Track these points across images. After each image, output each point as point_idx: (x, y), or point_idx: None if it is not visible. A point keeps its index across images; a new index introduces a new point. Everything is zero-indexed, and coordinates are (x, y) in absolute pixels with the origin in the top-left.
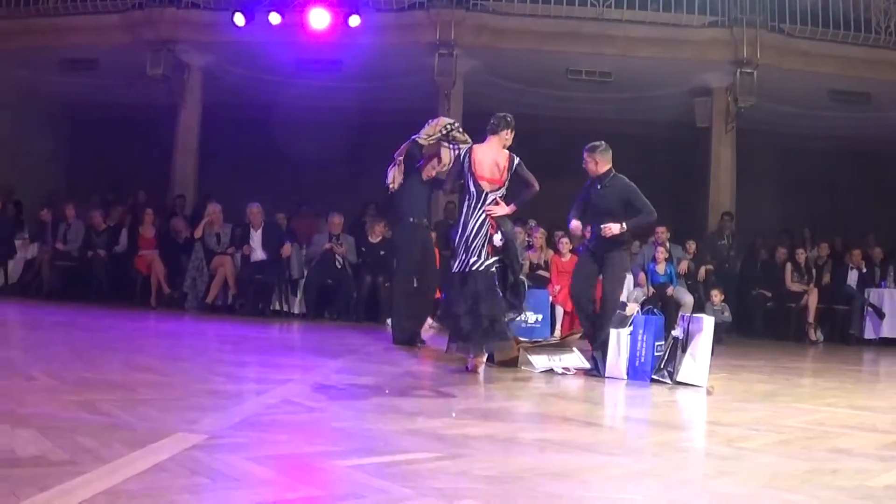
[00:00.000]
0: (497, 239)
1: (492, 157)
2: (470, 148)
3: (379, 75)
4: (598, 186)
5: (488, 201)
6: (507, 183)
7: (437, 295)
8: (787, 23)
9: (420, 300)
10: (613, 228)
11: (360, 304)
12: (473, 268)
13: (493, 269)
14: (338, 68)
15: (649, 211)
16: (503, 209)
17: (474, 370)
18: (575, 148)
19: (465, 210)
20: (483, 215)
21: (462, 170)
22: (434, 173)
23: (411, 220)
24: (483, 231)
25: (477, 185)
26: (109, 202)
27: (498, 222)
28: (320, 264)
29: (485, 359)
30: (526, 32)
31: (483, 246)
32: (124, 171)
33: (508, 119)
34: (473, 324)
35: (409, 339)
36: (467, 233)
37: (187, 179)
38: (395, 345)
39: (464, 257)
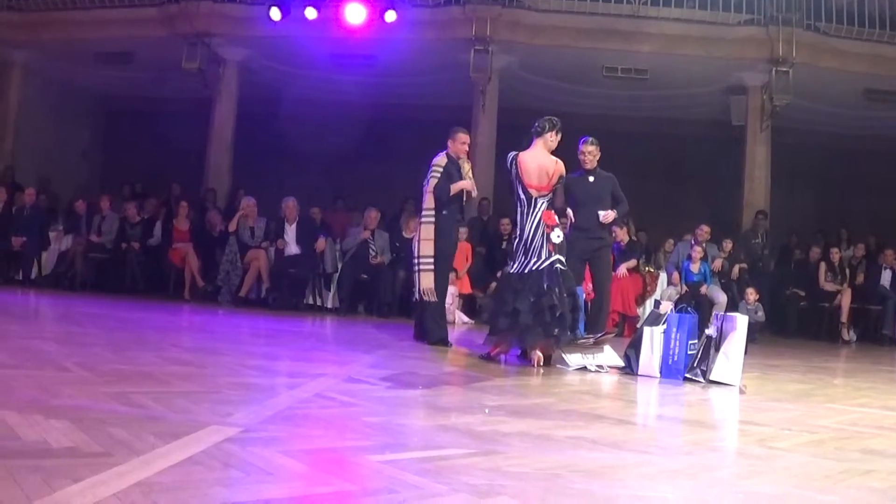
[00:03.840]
0: (555, 236)
1: (538, 163)
2: (516, 155)
3: (414, 71)
4: (591, 178)
5: (538, 205)
6: (554, 188)
7: (468, 291)
8: (823, 21)
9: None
10: (610, 215)
11: (393, 300)
12: (534, 268)
13: (556, 266)
14: (373, 64)
15: (626, 201)
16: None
17: (537, 364)
18: (610, 145)
19: (519, 217)
20: (537, 218)
21: (511, 178)
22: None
23: (444, 213)
24: (540, 232)
25: (526, 192)
26: (139, 194)
27: (553, 220)
28: (354, 259)
29: (540, 355)
30: (562, 29)
31: (542, 246)
32: (159, 164)
33: (553, 121)
34: (535, 319)
35: (445, 337)
36: (525, 237)
37: (222, 173)
38: (432, 344)
39: (523, 259)
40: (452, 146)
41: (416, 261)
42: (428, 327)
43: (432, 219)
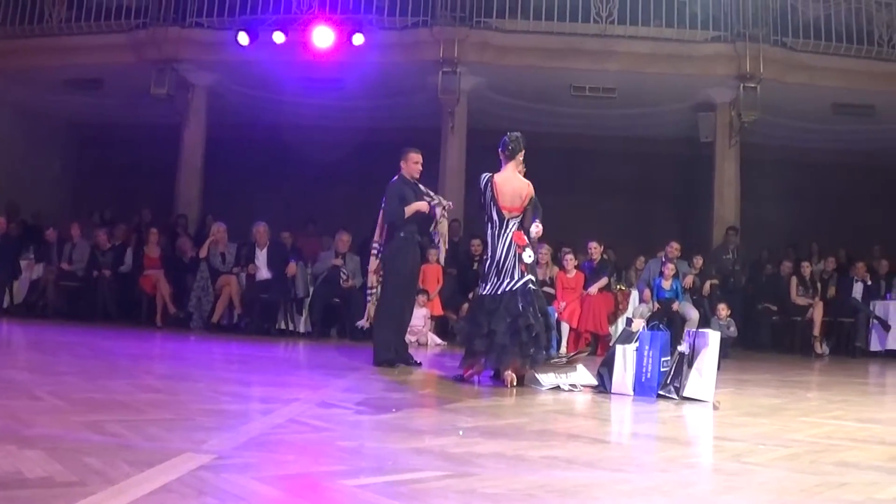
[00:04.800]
0: (527, 256)
1: (512, 186)
2: (491, 177)
3: (383, 93)
4: None
5: (510, 226)
6: (525, 210)
7: (440, 313)
8: (790, 37)
9: (405, 318)
10: (541, 229)
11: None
12: (508, 289)
13: (529, 286)
14: (341, 87)
15: (540, 207)
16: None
17: (510, 384)
18: (579, 164)
19: (490, 238)
20: (508, 238)
21: (485, 199)
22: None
23: (401, 234)
24: (512, 253)
25: (500, 213)
26: (107, 221)
27: (527, 240)
28: (326, 283)
29: (513, 376)
30: (529, 49)
31: (515, 266)
32: (129, 190)
33: (521, 141)
34: (512, 339)
35: (393, 358)
36: (497, 257)
37: (192, 198)
38: (377, 365)
39: (496, 281)
40: (405, 167)
41: (368, 290)
42: (375, 348)
43: (377, 251)
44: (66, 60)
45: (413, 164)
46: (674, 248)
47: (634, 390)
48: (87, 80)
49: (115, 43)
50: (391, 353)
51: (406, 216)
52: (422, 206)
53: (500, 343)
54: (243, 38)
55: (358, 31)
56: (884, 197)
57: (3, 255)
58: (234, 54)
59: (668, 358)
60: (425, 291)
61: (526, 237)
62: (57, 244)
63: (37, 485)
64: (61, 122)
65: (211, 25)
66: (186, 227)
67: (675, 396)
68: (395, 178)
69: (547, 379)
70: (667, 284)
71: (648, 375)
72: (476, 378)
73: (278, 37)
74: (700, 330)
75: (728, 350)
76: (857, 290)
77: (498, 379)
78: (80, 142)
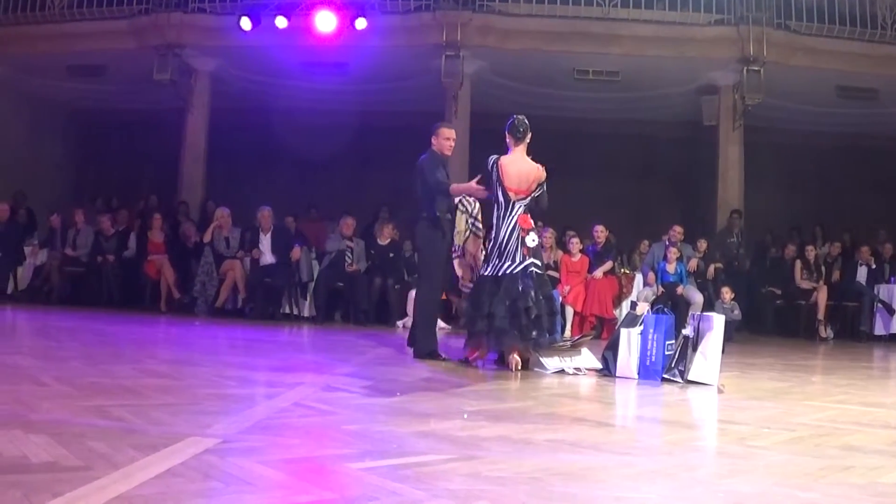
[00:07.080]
0: (530, 240)
1: (518, 169)
2: (498, 159)
3: (386, 77)
4: None
5: (515, 209)
6: (532, 194)
7: (443, 297)
8: (794, 20)
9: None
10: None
11: (370, 307)
12: (508, 271)
13: (531, 269)
14: (344, 71)
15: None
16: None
17: (514, 368)
18: (583, 147)
19: (495, 219)
20: (513, 221)
21: (491, 180)
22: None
23: (437, 213)
24: (515, 235)
25: (505, 195)
26: (113, 207)
27: (528, 223)
28: (330, 267)
29: (517, 358)
30: (532, 33)
31: (517, 249)
32: (132, 176)
33: (527, 123)
34: (511, 322)
35: (436, 349)
36: (500, 239)
37: (195, 183)
38: (420, 358)
39: (497, 262)
40: (436, 143)
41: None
42: (417, 341)
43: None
44: (68, 47)
45: (444, 139)
46: (677, 231)
47: (639, 374)
48: (90, 66)
49: (118, 29)
50: (434, 344)
51: (456, 193)
52: (479, 191)
53: (499, 326)
54: (246, 23)
55: (361, 16)
56: (888, 181)
57: (7, 240)
58: (237, 39)
59: (673, 341)
60: None
61: (531, 220)
62: (61, 230)
63: (42, 469)
64: (64, 109)
65: (213, 10)
66: (188, 213)
67: (679, 380)
68: (425, 154)
69: (551, 362)
70: (671, 268)
71: (653, 359)
72: (480, 362)
73: (281, 21)
74: (704, 313)
75: (732, 334)
76: (862, 274)
77: (502, 363)
78: (83, 128)
